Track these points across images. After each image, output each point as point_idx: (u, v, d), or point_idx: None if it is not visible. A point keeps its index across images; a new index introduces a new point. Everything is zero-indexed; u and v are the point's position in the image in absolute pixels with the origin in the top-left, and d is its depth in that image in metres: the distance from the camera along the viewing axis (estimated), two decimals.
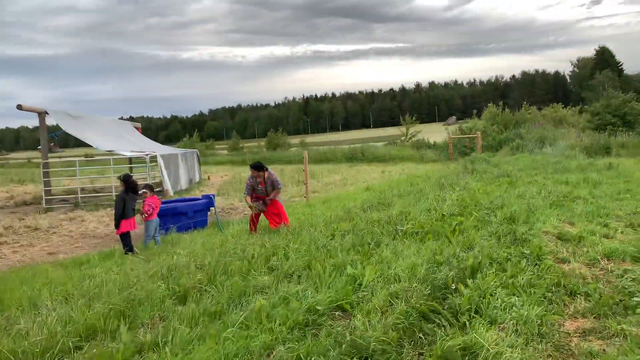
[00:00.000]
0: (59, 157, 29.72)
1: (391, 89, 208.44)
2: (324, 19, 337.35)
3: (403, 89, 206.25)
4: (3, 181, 26.49)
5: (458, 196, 10.28)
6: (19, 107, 14.44)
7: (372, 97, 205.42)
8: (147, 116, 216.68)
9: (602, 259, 5.58)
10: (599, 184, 11.62)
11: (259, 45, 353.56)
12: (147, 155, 15.85)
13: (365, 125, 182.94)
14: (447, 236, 6.81)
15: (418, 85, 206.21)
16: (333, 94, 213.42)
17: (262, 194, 8.58)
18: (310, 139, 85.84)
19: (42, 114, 15.45)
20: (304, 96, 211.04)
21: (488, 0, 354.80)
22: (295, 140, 56.04)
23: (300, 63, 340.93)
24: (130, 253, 7.37)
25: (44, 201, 15.34)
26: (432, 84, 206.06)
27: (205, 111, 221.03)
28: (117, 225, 7.45)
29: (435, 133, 47.09)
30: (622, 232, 6.89)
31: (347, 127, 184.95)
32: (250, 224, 8.64)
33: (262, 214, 8.67)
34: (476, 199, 9.76)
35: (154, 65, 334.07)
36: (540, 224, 7.18)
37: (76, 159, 17.33)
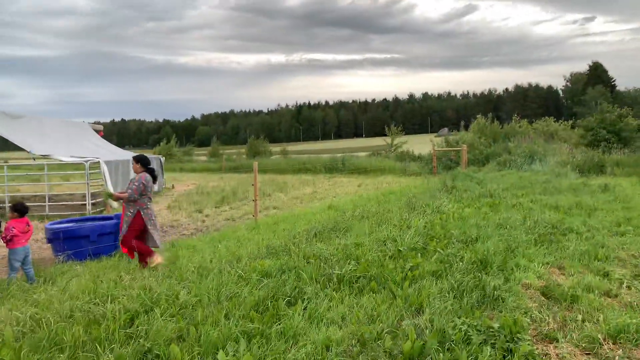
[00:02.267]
0: None
1: (384, 99, 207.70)
2: (321, 29, 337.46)
3: (396, 99, 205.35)
4: None
5: (427, 222, 8.52)
6: None
7: (365, 106, 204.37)
8: (139, 119, 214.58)
9: (605, 340, 3.80)
10: (594, 210, 9.91)
11: (256, 52, 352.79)
12: (86, 161, 13.98)
13: (357, 134, 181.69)
14: (392, 288, 5.02)
15: (411, 96, 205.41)
16: (327, 102, 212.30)
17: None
18: (300, 146, 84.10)
19: None
20: (297, 103, 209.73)
21: (484, 14, 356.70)
22: (276, 148, 54.17)
23: (295, 71, 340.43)
24: None
25: None
26: (425, 94, 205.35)
27: (198, 116, 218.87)
28: None
29: (425, 144, 45.53)
30: (628, 287, 5.14)
31: (339, 135, 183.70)
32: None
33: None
34: (447, 227, 8.01)
35: (149, 69, 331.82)
36: (521, 273, 5.41)
37: (3, 163, 15.48)
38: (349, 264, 5.91)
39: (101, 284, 5.66)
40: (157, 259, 6.71)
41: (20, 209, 6.18)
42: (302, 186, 21.25)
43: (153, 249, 6.86)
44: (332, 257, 6.25)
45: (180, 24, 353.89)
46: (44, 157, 14.15)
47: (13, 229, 5.97)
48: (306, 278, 5.41)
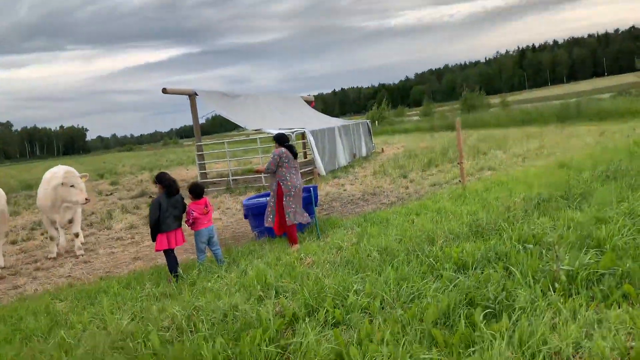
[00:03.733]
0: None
1: (632, 27, 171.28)
2: None
3: None
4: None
5: None
6: (164, 90, 14.27)
7: (605, 39, 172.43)
8: (357, 86, 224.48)
9: None
10: None
11: (468, 0, 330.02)
12: (292, 132, 14.30)
13: (597, 73, 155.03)
14: None
15: None
16: (555, 42, 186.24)
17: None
18: (525, 95, 75.20)
19: (192, 96, 15.20)
20: (519, 48, 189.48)
21: None
22: (496, 99, 49.02)
23: (515, 13, 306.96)
24: (173, 277, 5.60)
25: None
26: None
27: (412, 76, 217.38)
28: (153, 239, 5.74)
29: None
30: None
31: (573, 77, 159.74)
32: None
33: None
34: None
35: (362, 37, 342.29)
36: None
37: (225, 140, 16.96)
38: (585, 252, 4.12)
39: (275, 268, 5.15)
40: (296, 247, 6.55)
41: (195, 190, 6.10)
42: (526, 141, 18.37)
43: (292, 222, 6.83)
44: (560, 241, 4.50)
45: None
46: (256, 131, 14.98)
47: (193, 212, 5.90)
48: (518, 275, 3.87)
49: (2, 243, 8.31)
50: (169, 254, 5.81)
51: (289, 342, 3.40)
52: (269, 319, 3.71)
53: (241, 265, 5.71)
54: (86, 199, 7.91)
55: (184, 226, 6.03)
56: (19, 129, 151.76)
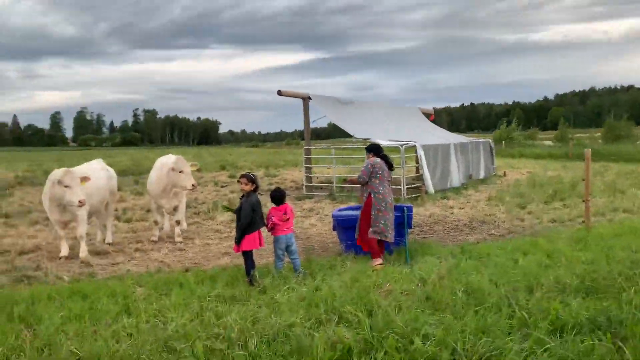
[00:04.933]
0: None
1: None
2: None
3: None
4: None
5: None
6: (279, 92, 14.61)
7: None
8: (488, 102, 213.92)
9: None
10: None
11: (629, 16, 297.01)
12: (402, 145, 13.74)
13: None
14: None
15: None
16: None
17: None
18: None
19: (305, 100, 15.37)
20: None
21: None
22: None
23: None
24: (250, 280, 5.51)
25: (304, 187, 15.33)
26: None
27: (551, 96, 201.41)
28: (237, 240, 5.69)
29: None
30: None
31: None
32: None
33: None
34: None
35: (499, 50, 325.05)
36: None
37: (332, 146, 16.82)
38: None
39: (348, 291, 4.78)
40: (378, 262, 6.30)
41: (275, 196, 5.95)
42: None
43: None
44: None
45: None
46: (364, 140, 14.68)
47: (272, 218, 5.76)
48: (630, 356, 3.07)
49: (111, 220, 9.06)
50: (250, 255, 5.75)
51: None
52: (321, 350, 3.38)
53: (317, 279, 5.44)
54: (193, 185, 8.27)
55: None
56: (163, 117, 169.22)
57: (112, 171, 9.20)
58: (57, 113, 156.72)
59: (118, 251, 8.16)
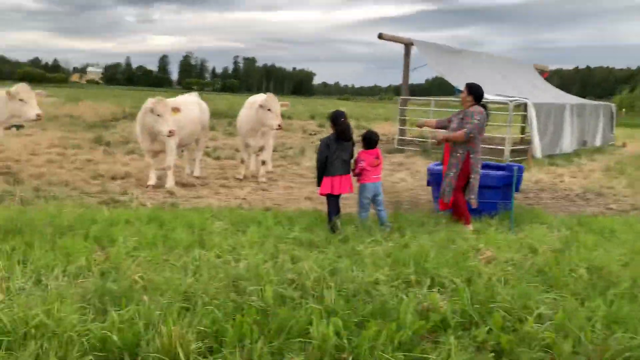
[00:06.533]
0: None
1: None
2: None
3: None
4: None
5: None
6: (380, 36, 13.59)
7: None
8: (607, 66, 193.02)
9: None
10: None
11: None
12: (511, 101, 12.35)
13: None
14: None
15: None
16: None
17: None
18: None
19: (408, 46, 14.22)
20: None
21: None
22: None
23: None
24: (331, 227, 5.05)
25: (395, 140, 14.52)
26: None
27: None
28: (319, 182, 5.22)
29: None
30: None
31: None
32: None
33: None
34: None
35: (626, 8, 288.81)
36: None
37: (432, 98, 15.52)
38: None
39: (442, 252, 4.13)
40: (471, 228, 5.51)
41: (368, 138, 5.31)
42: None
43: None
44: None
45: None
46: None
47: (362, 162, 5.17)
48: None
49: (201, 155, 9.03)
50: (333, 200, 5.28)
51: (423, 358, 2.48)
52: (410, 316, 2.82)
53: (405, 235, 4.84)
54: (279, 125, 7.92)
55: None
56: (261, 65, 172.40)
57: (204, 105, 9.07)
58: (165, 56, 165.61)
59: (203, 185, 8.12)
